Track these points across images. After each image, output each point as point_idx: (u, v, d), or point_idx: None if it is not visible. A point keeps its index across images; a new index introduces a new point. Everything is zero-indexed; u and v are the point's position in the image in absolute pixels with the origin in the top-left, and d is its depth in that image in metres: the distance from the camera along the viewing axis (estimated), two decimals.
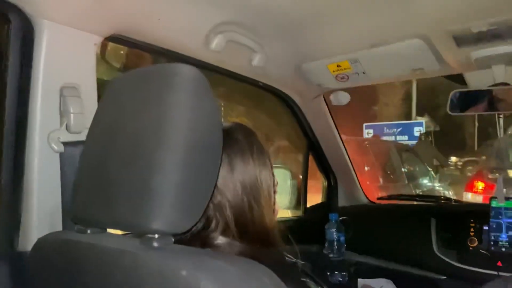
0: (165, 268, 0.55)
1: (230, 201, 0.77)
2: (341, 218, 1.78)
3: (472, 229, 1.49)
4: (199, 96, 0.65)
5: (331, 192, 1.96)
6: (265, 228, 0.79)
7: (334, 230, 1.71)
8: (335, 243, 1.71)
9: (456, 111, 1.32)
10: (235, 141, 0.80)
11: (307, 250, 1.79)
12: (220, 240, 0.76)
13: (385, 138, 12.76)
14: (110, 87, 0.75)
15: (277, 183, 0.87)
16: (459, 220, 1.55)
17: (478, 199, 4.51)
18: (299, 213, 1.86)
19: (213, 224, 0.76)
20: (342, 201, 1.97)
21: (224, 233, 0.76)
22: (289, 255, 0.84)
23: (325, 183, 1.97)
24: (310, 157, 1.89)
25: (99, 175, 0.67)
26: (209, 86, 0.67)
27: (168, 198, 0.59)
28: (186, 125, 0.62)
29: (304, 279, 0.75)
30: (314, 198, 2.03)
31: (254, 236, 0.77)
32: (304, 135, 1.78)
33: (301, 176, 1.89)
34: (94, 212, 0.67)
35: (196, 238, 0.75)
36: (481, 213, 1.49)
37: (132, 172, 0.62)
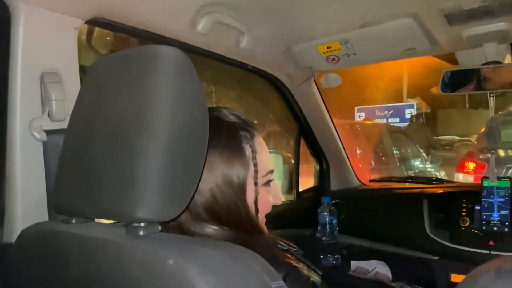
0: (151, 258, 0.53)
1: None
2: (333, 201, 1.77)
3: (464, 209, 1.49)
4: (183, 78, 0.62)
5: (323, 175, 1.95)
6: (237, 213, 0.75)
7: (326, 213, 1.71)
8: (328, 226, 1.71)
9: (447, 91, 1.31)
10: None
11: (300, 233, 1.79)
12: (199, 225, 0.74)
13: (377, 121, 12.82)
14: (91, 72, 0.72)
15: (270, 171, 0.81)
16: (451, 201, 1.55)
17: (470, 179, 4.55)
18: (291, 197, 1.85)
19: None
20: (334, 185, 1.96)
21: (197, 218, 0.74)
22: (282, 242, 0.82)
23: (317, 167, 1.96)
24: (302, 141, 1.87)
25: (81, 163, 0.65)
26: (193, 68, 0.64)
27: (152, 185, 0.57)
28: (170, 109, 0.59)
29: (296, 265, 0.73)
30: (307, 181, 2.02)
31: (229, 222, 0.75)
32: (295, 119, 1.76)
33: (293, 161, 1.87)
34: (78, 201, 0.65)
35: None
36: (473, 193, 1.50)
37: (114, 159, 0.59)
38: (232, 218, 0.75)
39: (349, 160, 1.98)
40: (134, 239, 0.57)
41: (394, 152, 5.70)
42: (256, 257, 0.57)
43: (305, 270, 0.75)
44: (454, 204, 1.52)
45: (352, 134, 4.95)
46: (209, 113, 0.79)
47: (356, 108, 14.78)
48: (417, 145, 6.36)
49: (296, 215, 1.82)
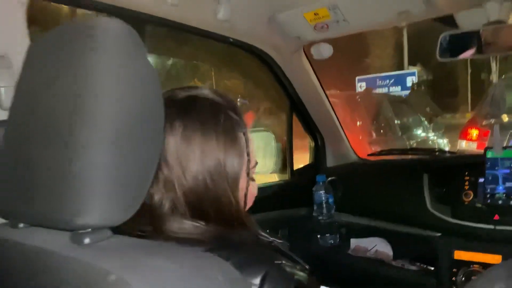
0: (91, 272, 0.45)
1: (179, 178, 0.66)
2: (329, 178, 1.69)
3: (466, 182, 1.40)
4: (129, 57, 0.52)
5: (318, 152, 1.86)
6: (227, 209, 0.69)
7: (322, 192, 1.63)
8: (324, 205, 1.63)
9: (446, 56, 1.19)
10: (198, 110, 0.69)
11: (296, 214, 1.72)
12: (175, 221, 0.66)
13: (378, 90, 12.66)
14: (29, 52, 0.62)
15: (256, 163, 0.76)
16: (453, 174, 1.45)
17: (473, 146, 4.45)
18: (285, 176, 1.76)
19: (156, 199, 0.66)
20: (330, 161, 1.87)
21: (173, 212, 0.67)
22: (264, 234, 0.74)
23: (312, 144, 1.87)
24: (295, 118, 1.77)
25: (19, 160, 0.56)
26: (142, 43, 0.55)
27: (97, 185, 0.48)
28: (114, 94, 0.50)
29: (278, 262, 0.65)
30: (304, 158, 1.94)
31: (214, 217, 0.68)
32: (285, 94, 1.66)
33: (286, 138, 1.78)
34: (18, 205, 0.56)
35: (145, 215, 0.65)
36: (476, 165, 1.40)
37: (53, 156, 0.50)
38: (220, 213, 0.68)
39: (345, 135, 1.89)
40: (77, 248, 0.49)
41: (396, 122, 5.61)
42: (219, 265, 0.49)
43: (288, 267, 0.67)
44: (456, 177, 1.43)
45: (352, 106, 4.84)
46: (197, 94, 0.71)
47: (357, 78, 14.57)
48: (419, 114, 6.25)
49: (292, 194, 1.74)
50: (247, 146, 0.73)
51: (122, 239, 0.53)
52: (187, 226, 0.67)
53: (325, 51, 1.53)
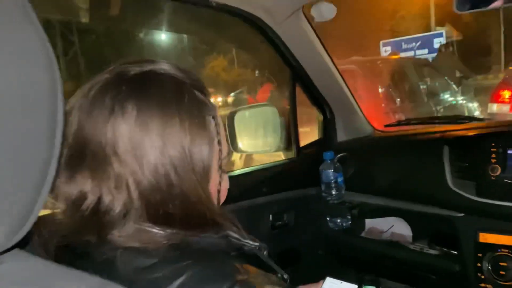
0: None
1: (135, 173, 0.53)
2: (338, 155, 1.53)
3: (493, 155, 1.21)
4: (8, 22, 0.39)
5: (327, 126, 1.69)
6: (197, 209, 0.57)
7: (330, 171, 1.48)
8: (333, 185, 1.48)
9: (464, 8, 0.99)
10: (156, 88, 0.56)
11: (304, 195, 1.58)
12: (127, 228, 0.54)
13: (404, 54, 12.15)
14: None
15: (229, 152, 0.64)
16: (478, 145, 1.27)
17: (505, 109, 4.16)
18: (291, 155, 1.62)
19: (106, 202, 0.53)
20: (341, 135, 1.70)
21: (128, 215, 0.54)
22: (236, 236, 0.61)
23: (320, 117, 1.70)
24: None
25: None
26: (30, 6, 0.41)
27: None
28: None
29: (243, 277, 0.52)
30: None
31: (180, 219, 0.56)
32: (285, 63, 1.49)
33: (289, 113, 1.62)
34: None
35: (90, 223, 0.53)
36: (504, 134, 1.22)
37: None
38: (188, 214, 0.56)
39: (358, 105, 1.71)
40: None
41: (421, 87, 5.32)
42: None
43: (256, 282, 0.53)
44: (481, 148, 1.24)
45: (374, 72, 4.58)
46: (154, 69, 0.58)
47: (381, 42, 14.00)
48: (446, 77, 5.91)
49: (299, 174, 1.60)
50: (218, 132, 0.61)
51: (16, 267, 0.41)
52: (142, 232, 0.54)
53: (326, 11, 1.34)
